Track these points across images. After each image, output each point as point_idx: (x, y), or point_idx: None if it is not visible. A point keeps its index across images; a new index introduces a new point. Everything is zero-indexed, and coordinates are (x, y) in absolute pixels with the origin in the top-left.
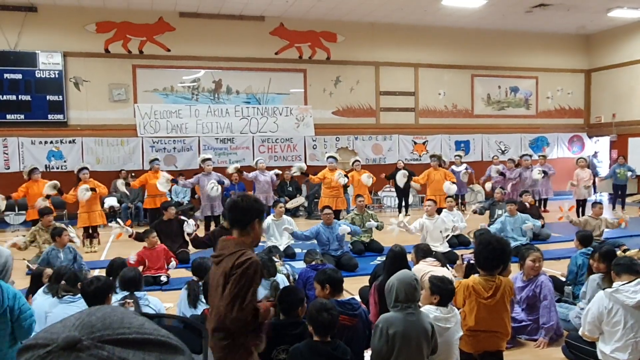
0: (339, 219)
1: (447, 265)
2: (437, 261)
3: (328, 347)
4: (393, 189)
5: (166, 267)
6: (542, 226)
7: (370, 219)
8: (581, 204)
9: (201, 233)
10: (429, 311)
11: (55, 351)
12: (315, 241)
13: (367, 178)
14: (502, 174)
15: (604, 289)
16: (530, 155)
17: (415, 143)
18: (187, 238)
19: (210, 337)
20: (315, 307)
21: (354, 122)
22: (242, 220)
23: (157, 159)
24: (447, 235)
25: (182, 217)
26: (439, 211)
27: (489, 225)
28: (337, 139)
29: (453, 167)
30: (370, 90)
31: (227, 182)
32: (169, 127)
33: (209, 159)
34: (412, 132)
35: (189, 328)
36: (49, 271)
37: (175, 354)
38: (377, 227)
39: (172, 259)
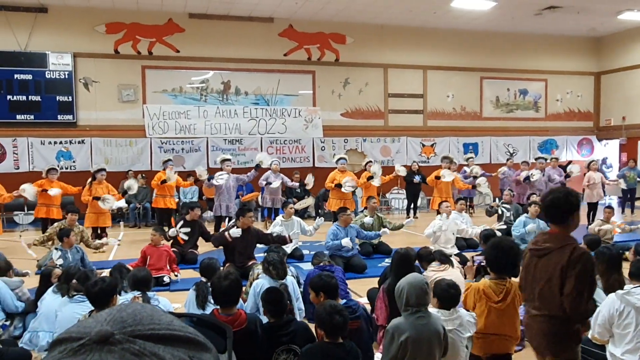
0: None
1: (455, 263)
2: (443, 264)
3: (340, 349)
4: (402, 191)
5: (168, 268)
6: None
7: (381, 226)
8: (592, 207)
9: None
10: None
11: (88, 344)
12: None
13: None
14: (527, 178)
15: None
16: (545, 159)
17: (423, 145)
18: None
19: (539, 321)
20: (326, 310)
21: (363, 124)
22: (561, 217)
23: (170, 160)
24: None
25: (183, 235)
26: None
27: (499, 228)
28: (346, 140)
29: (465, 169)
30: (379, 92)
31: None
32: (177, 127)
33: (229, 160)
34: (421, 135)
35: (214, 328)
36: (57, 271)
37: (202, 351)
38: (397, 227)
39: (175, 271)
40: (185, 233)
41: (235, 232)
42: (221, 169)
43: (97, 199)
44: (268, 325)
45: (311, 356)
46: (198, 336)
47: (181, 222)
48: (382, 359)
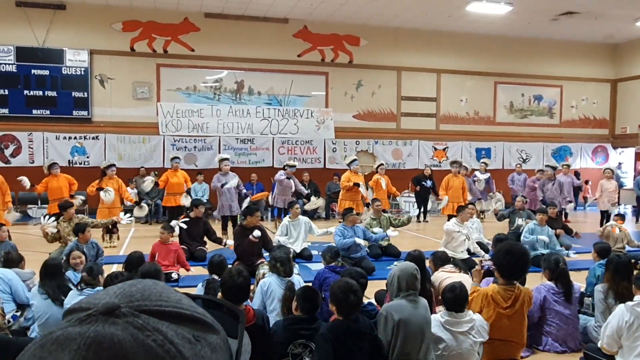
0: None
1: (469, 272)
2: (455, 267)
3: (357, 324)
4: (412, 195)
5: (177, 265)
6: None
7: (390, 225)
8: (605, 215)
9: (217, 233)
10: (441, 315)
11: (94, 315)
12: (333, 242)
13: (384, 184)
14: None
15: (605, 298)
16: (554, 167)
17: (435, 149)
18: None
19: None
20: (341, 289)
21: (375, 126)
22: None
23: (177, 157)
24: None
25: (182, 224)
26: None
27: (508, 233)
28: (357, 142)
29: (477, 173)
30: (392, 95)
31: (243, 190)
32: (190, 126)
33: (227, 159)
34: (433, 138)
35: (227, 312)
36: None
37: (209, 333)
38: (405, 222)
39: (186, 267)
40: (185, 222)
41: (257, 234)
42: (220, 169)
43: (100, 189)
44: (292, 318)
45: (324, 338)
46: (206, 317)
47: (186, 220)
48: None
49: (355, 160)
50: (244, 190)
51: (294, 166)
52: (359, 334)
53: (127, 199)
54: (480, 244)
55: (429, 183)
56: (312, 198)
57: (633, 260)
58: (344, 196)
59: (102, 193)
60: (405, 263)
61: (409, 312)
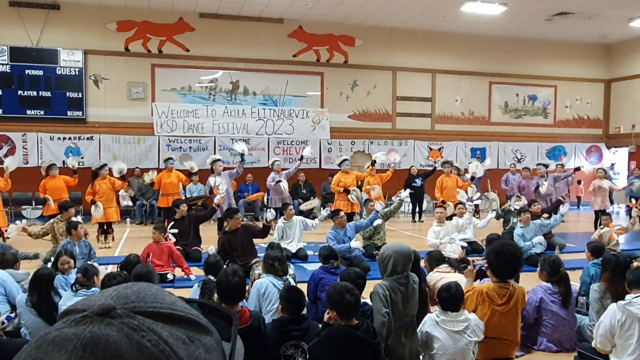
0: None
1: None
2: (450, 267)
3: (358, 330)
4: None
5: (172, 265)
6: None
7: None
8: (599, 215)
9: (214, 232)
10: (436, 314)
11: (90, 316)
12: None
13: (377, 192)
14: (536, 188)
15: (601, 298)
16: (546, 165)
17: (430, 149)
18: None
19: None
20: (337, 291)
21: (370, 126)
22: None
23: (171, 158)
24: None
25: (171, 236)
26: (449, 218)
27: (502, 233)
28: (353, 142)
29: (467, 175)
30: (387, 95)
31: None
32: (185, 126)
33: (219, 160)
34: (428, 138)
35: (220, 315)
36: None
37: (203, 334)
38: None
39: (185, 269)
40: (173, 234)
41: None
42: (212, 170)
43: (94, 202)
44: (281, 319)
45: (332, 340)
46: (200, 318)
47: (172, 224)
48: (375, 321)
49: (345, 160)
50: (238, 171)
51: (278, 160)
52: (359, 340)
53: (122, 187)
54: (474, 243)
55: (418, 182)
56: (311, 199)
57: (629, 259)
58: (340, 196)
59: (92, 208)
60: (400, 245)
61: (401, 293)
